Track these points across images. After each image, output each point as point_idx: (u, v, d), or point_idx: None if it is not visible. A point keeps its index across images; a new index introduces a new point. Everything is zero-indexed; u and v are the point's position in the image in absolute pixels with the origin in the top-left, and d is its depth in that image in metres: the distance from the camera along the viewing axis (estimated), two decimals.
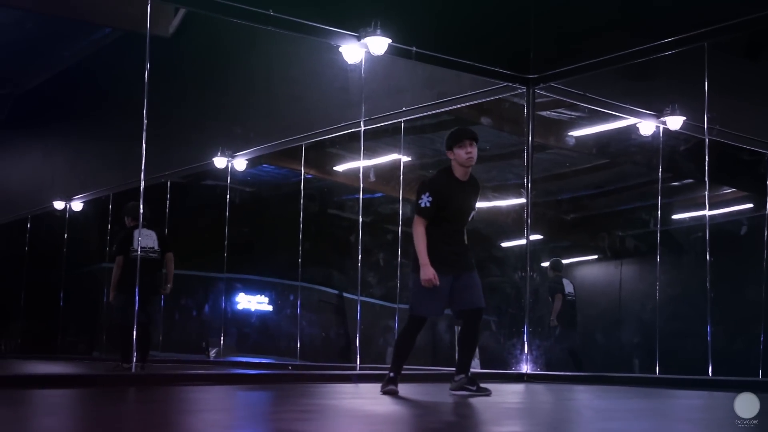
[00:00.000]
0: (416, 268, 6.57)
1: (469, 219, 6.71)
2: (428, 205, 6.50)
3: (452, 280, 6.49)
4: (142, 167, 8.48)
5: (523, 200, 10.93)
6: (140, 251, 9.05)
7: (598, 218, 12.52)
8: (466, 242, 6.67)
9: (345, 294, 12.84)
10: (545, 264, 11.45)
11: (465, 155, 6.48)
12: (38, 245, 15.64)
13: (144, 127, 8.47)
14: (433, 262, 6.40)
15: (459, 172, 6.58)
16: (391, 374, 6.55)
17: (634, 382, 9.12)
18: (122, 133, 13.13)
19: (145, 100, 8.49)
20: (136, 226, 9.18)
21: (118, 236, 9.80)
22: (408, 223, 8.96)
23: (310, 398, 6.56)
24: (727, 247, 9.86)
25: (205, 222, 13.77)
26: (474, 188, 6.73)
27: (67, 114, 14.52)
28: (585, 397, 7.24)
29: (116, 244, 9.60)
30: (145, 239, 9.26)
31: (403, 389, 6.54)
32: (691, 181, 11.24)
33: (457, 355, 6.85)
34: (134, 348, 8.73)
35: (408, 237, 7.31)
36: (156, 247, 9.36)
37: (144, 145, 8.46)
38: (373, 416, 5.13)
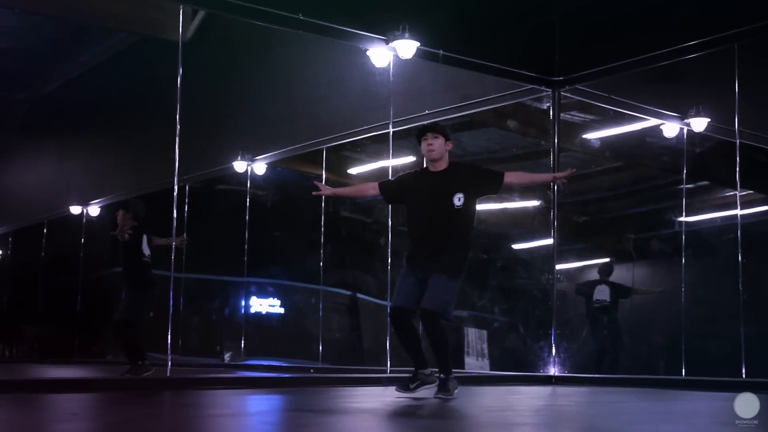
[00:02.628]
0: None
1: (452, 208, 6.38)
2: (390, 179, 7.14)
3: (422, 280, 6.45)
4: (176, 171, 8.51)
5: (536, 202, 11.01)
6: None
7: (614, 221, 12.51)
8: (446, 241, 6.41)
9: (360, 295, 12.82)
10: (559, 267, 11.38)
11: (426, 147, 6.61)
12: (55, 250, 15.61)
13: (177, 132, 8.48)
14: (407, 260, 6.61)
15: (431, 165, 6.75)
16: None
17: (663, 384, 9.11)
18: (139, 137, 13.12)
19: (178, 105, 8.51)
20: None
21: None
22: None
23: (349, 400, 6.55)
24: (746, 249, 9.84)
25: (224, 226, 13.74)
26: (454, 175, 6.56)
27: (82, 119, 14.48)
28: (622, 399, 7.22)
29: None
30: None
31: (430, 391, 6.47)
32: (707, 183, 11.24)
33: None
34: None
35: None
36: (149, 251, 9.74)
37: (177, 150, 8.47)
38: (420, 418, 5.13)
